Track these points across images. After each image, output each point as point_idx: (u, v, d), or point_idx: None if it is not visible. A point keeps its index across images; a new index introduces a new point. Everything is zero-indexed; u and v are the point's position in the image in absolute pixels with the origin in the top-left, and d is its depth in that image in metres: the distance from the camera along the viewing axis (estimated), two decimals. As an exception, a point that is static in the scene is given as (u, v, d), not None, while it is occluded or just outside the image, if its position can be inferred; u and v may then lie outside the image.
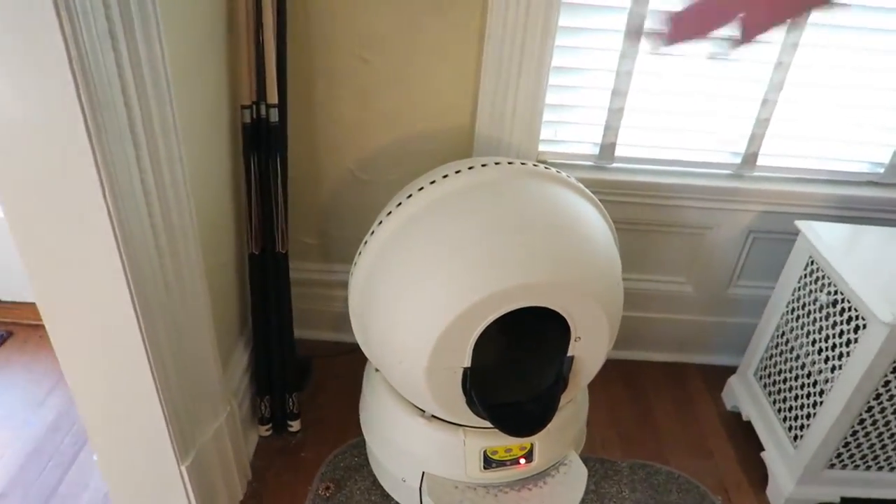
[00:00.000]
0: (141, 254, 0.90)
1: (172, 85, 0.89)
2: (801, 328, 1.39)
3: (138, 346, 0.96)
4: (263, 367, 1.40)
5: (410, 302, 1.03)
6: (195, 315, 1.07)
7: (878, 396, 1.22)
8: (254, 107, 1.21)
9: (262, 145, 1.23)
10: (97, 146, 0.77)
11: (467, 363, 1.04)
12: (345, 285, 1.19)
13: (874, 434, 1.29)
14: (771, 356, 1.51)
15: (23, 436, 1.46)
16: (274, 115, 1.21)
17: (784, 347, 1.45)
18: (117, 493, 1.20)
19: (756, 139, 1.45)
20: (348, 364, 1.64)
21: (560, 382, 1.11)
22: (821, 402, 1.30)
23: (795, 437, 1.38)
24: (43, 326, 1.73)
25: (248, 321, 1.43)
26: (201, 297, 1.08)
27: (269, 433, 1.47)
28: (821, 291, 1.32)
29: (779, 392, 1.47)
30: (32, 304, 1.76)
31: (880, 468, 1.36)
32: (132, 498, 1.20)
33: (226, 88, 1.20)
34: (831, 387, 1.27)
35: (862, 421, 1.26)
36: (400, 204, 1.08)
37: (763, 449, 1.49)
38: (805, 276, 1.38)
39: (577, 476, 1.24)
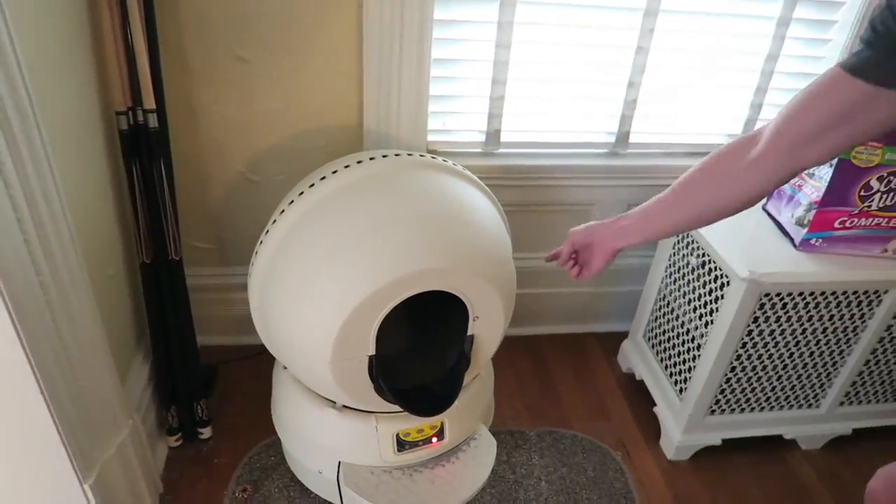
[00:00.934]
0: (18, 278, 0.86)
1: (33, 94, 0.86)
2: (679, 290, 1.52)
3: (27, 374, 0.92)
4: (166, 377, 1.37)
5: (309, 298, 1.05)
6: (84, 333, 1.03)
7: (744, 345, 1.36)
8: (130, 112, 1.17)
9: (142, 151, 1.20)
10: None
11: (371, 351, 1.07)
12: (244, 288, 1.19)
13: (744, 379, 1.44)
14: (656, 318, 1.64)
15: None
16: (153, 121, 1.18)
17: (666, 309, 1.59)
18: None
19: (627, 119, 1.56)
20: (255, 367, 1.63)
21: (463, 361, 1.17)
22: (699, 356, 1.43)
23: (681, 391, 1.52)
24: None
25: (145, 332, 1.39)
26: (89, 314, 1.04)
27: (179, 443, 1.44)
28: (691, 255, 1.45)
29: (664, 350, 1.60)
30: None
31: (752, 410, 1.52)
32: (33, 526, 1.15)
33: (96, 95, 1.16)
34: (706, 341, 1.40)
35: (733, 368, 1.40)
36: (292, 202, 1.09)
37: (655, 405, 1.62)
38: (678, 241, 1.51)
39: (486, 448, 1.30)
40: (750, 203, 0.87)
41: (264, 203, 1.47)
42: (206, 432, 1.46)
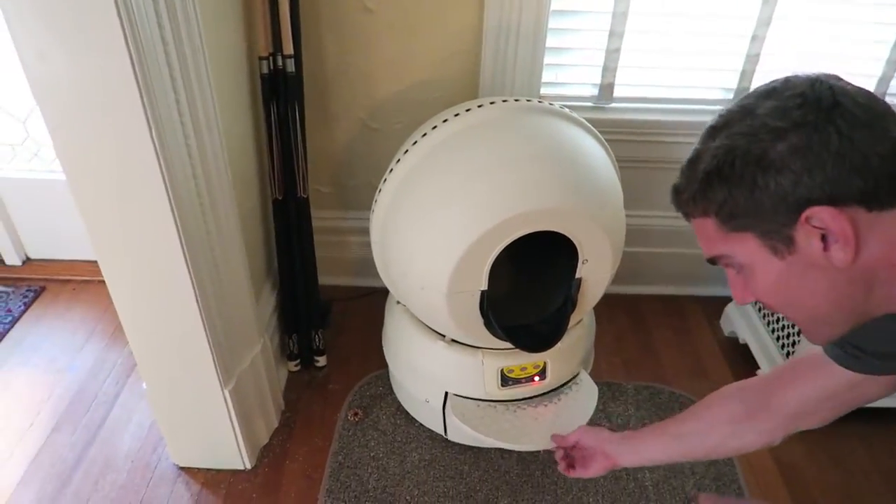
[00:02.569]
0: (186, 202, 0.98)
1: (204, 35, 0.96)
2: (792, 252, 1.48)
3: (185, 282, 1.05)
4: (290, 306, 1.50)
5: (429, 232, 1.12)
6: (231, 254, 1.16)
7: (862, 308, 1.31)
8: (271, 58, 1.27)
9: (280, 95, 1.30)
10: (146, 100, 0.85)
11: (484, 286, 1.13)
12: (359, 231, 1.27)
13: (859, 345, 1.39)
14: (764, 281, 1.60)
15: (66, 379, 1.56)
16: (290, 66, 1.28)
17: (776, 272, 1.55)
18: (165, 420, 1.30)
19: (746, 74, 1.52)
20: (365, 306, 1.74)
21: (569, 303, 1.21)
22: (810, 319, 1.40)
23: (787, 354, 1.49)
24: (74, 281, 1.83)
25: (274, 264, 1.52)
26: (236, 238, 1.17)
27: (297, 368, 1.58)
28: (810, 216, 1.41)
29: (771, 314, 1.57)
30: (62, 261, 1.86)
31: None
32: (179, 425, 1.31)
33: (243, 41, 1.27)
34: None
35: (848, 333, 1.36)
36: (416, 142, 1.16)
37: (758, 368, 1.59)
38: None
39: (588, 393, 1.34)
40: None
41: (382, 151, 1.56)
42: (321, 360, 1.59)
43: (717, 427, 0.90)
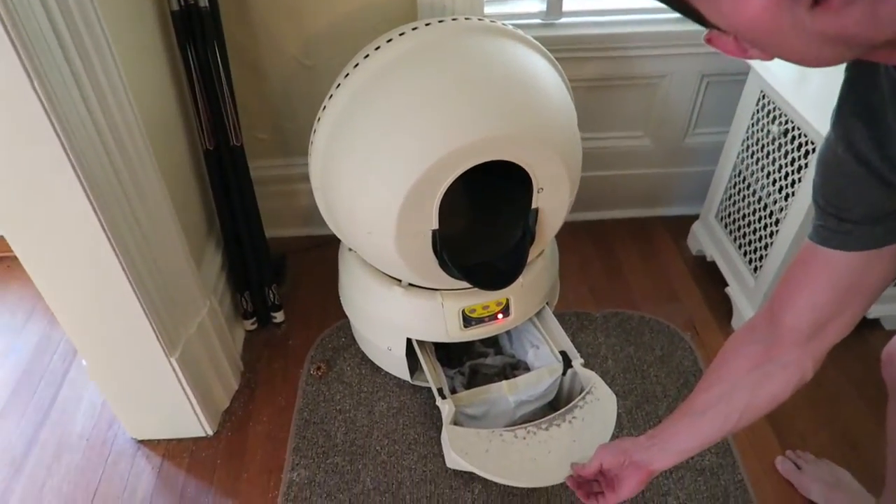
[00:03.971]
0: (92, 160, 0.88)
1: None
2: (756, 163, 1.43)
3: (104, 246, 0.95)
4: (237, 263, 1.42)
5: (370, 171, 1.03)
6: (157, 212, 1.06)
7: (828, 215, 1.28)
8: (180, -8, 1.14)
9: (195, 34, 1.18)
10: (18, 44, 0.74)
11: (434, 225, 1.06)
12: (306, 178, 1.19)
13: (827, 253, 1.36)
14: (730, 196, 1.56)
15: (9, 361, 1.47)
16: (203, 0, 1.15)
17: (742, 185, 1.50)
18: (113, 396, 1.23)
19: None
20: (321, 256, 1.66)
21: (527, 236, 1.14)
22: (776, 231, 1.36)
23: (755, 269, 1.46)
24: (7, 258, 1.71)
25: (215, 221, 1.42)
26: (159, 194, 1.07)
27: (254, 327, 1.51)
28: (772, 124, 1.35)
29: (738, 229, 1.53)
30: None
31: (833, 285, 1.45)
32: (129, 399, 1.24)
33: (145, -26, 1.13)
34: (785, 214, 1.33)
35: (815, 242, 1.33)
36: (347, 75, 1.06)
37: (727, 285, 1.57)
38: (757, 111, 1.40)
39: (606, 400, 1.17)
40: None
41: (320, 89, 1.43)
42: (278, 317, 1.52)
43: (740, 381, 0.78)
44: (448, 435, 1.11)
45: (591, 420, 1.15)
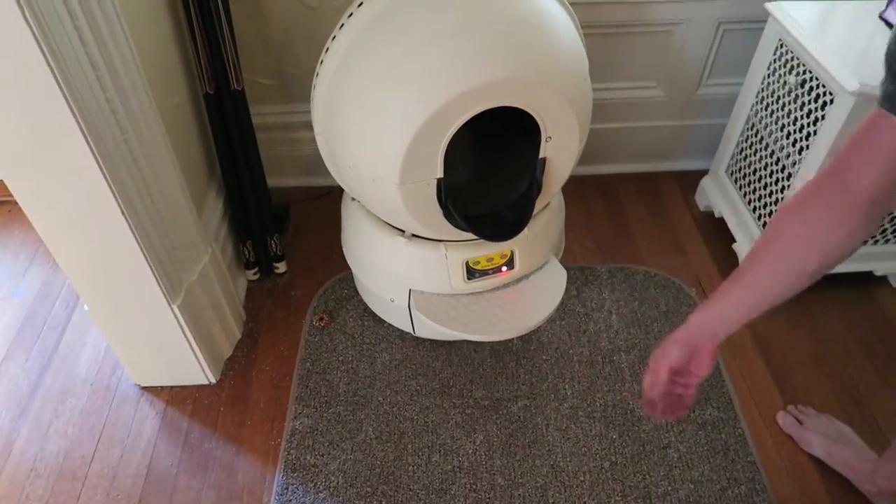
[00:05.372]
0: (89, 101, 0.86)
1: None
2: (770, 115, 1.39)
3: (104, 190, 0.94)
4: (239, 211, 1.40)
5: (374, 116, 1.00)
6: (157, 157, 1.04)
7: (843, 170, 1.24)
8: (177, -75, 1.09)
9: (194, -29, 1.13)
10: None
11: (440, 174, 1.03)
12: (310, 126, 1.15)
13: (839, 209, 1.33)
14: (741, 150, 1.52)
15: (13, 305, 1.47)
16: (201, -65, 1.10)
17: (754, 139, 1.46)
18: (115, 341, 1.23)
19: (724, -83, 1.36)
20: (324, 205, 1.64)
21: (534, 186, 1.12)
22: (788, 186, 1.33)
23: (765, 225, 1.43)
24: (9, 202, 1.69)
25: (216, 168, 1.40)
26: (160, 139, 1.04)
27: (256, 277, 1.50)
28: (789, 74, 1.31)
29: (749, 184, 1.50)
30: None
31: (844, 242, 1.42)
32: (132, 345, 1.24)
33: None
34: (798, 169, 1.29)
35: (828, 197, 1.30)
36: (351, 14, 1.01)
37: (735, 241, 1.55)
38: (774, 60, 1.36)
39: (556, 277, 1.28)
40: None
41: (323, 32, 1.39)
42: (281, 267, 1.51)
43: (813, 241, 0.71)
44: (414, 298, 1.23)
45: (541, 291, 1.25)
